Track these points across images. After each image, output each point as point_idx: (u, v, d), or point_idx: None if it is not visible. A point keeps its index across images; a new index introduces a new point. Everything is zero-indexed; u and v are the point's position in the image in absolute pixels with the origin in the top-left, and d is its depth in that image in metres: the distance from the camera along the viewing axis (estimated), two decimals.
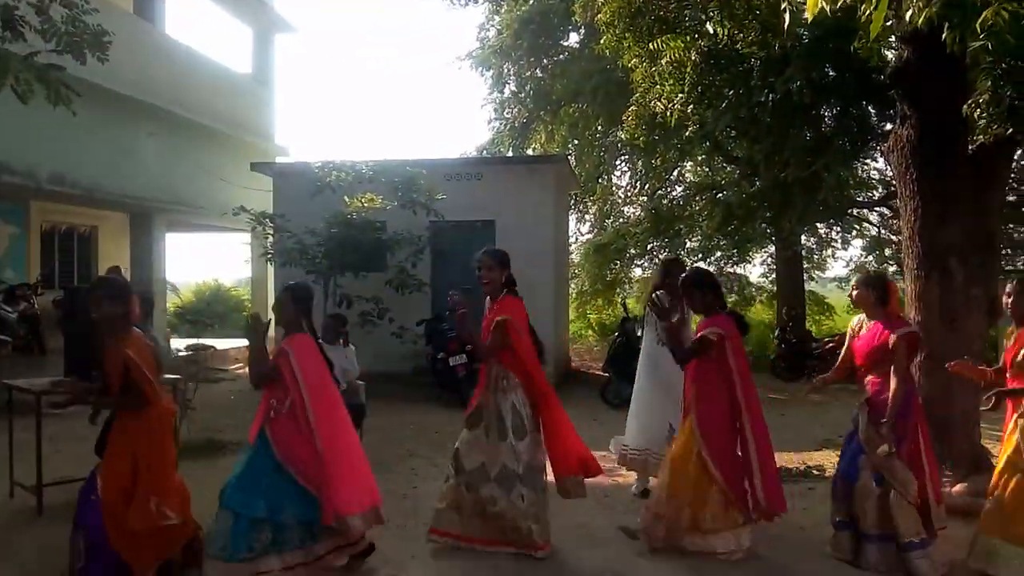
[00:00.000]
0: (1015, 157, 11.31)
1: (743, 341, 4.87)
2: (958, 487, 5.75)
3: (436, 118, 70.13)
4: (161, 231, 14.95)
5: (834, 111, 9.99)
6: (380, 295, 10.54)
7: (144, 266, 14.57)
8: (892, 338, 4.39)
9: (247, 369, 4.47)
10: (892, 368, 4.38)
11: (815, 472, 6.65)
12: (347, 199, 10.56)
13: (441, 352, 10.18)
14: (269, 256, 11.46)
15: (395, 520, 5.11)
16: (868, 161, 13.42)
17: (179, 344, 13.38)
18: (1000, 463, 4.39)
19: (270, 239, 11.40)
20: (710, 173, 16.18)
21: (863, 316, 4.72)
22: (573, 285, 16.71)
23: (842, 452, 4.78)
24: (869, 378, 4.55)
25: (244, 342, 16.02)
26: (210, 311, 18.98)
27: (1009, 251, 13.74)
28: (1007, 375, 4.43)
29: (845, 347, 4.81)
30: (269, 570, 3.97)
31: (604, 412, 9.69)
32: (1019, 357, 4.31)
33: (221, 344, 14.44)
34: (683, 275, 5.01)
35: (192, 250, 39.93)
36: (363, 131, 69.39)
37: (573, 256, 17.11)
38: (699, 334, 4.68)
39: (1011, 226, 13.03)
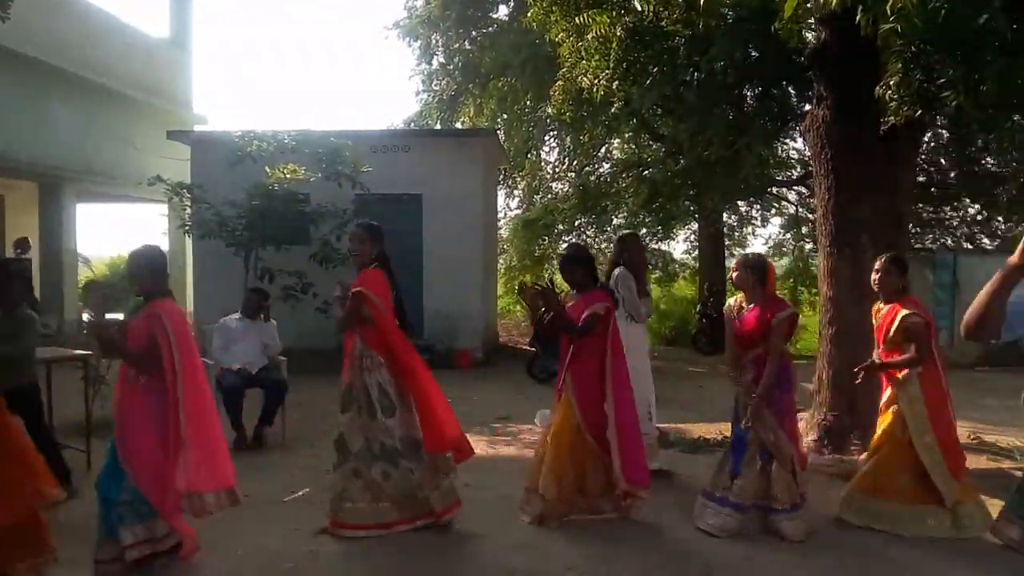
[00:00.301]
0: (924, 139, 11.84)
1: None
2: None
3: (363, 88, 68.64)
4: (72, 201, 14.26)
5: (756, 91, 10.20)
6: (304, 269, 10.33)
7: (54, 237, 13.89)
8: (773, 319, 4.50)
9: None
10: (769, 347, 4.51)
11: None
12: (268, 170, 10.27)
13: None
14: (187, 228, 11.08)
15: (317, 496, 5.06)
16: (787, 141, 13.81)
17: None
18: (878, 433, 4.77)
19: (188, 210, 11.02)
20: (636, 151, 16.35)
21: (740, 296, 4.79)
22: (502, 260, 16.72)
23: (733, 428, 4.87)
24: (752, 356, 4.63)
25: None
26: (124, 284, 18.23)
27: (918, 230, 14.34)
28: (879, 349, 4.73)
29: (727, 329, 4.87)
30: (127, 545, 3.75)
31: (531, 387, 9.77)
32: (890, 333, 4.60)
33: None
34: (563, 252, 5.07)
35: (106, 221, 38.20)
36: (286, 100, 67.14)
37: (502, 231, 17.10)
38: (588, 310, 4.65)
39: (920, 206, 13.60)
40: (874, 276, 4.75)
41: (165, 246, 16.40)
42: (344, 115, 73.48)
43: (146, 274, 3.93)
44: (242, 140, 10.59)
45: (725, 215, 16.40)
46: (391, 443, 4.48)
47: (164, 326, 3.75)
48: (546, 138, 17.00)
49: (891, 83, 5.05)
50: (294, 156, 10.46)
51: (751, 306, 4.65)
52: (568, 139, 15.72)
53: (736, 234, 18.18)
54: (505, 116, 15.91)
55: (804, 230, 16.06)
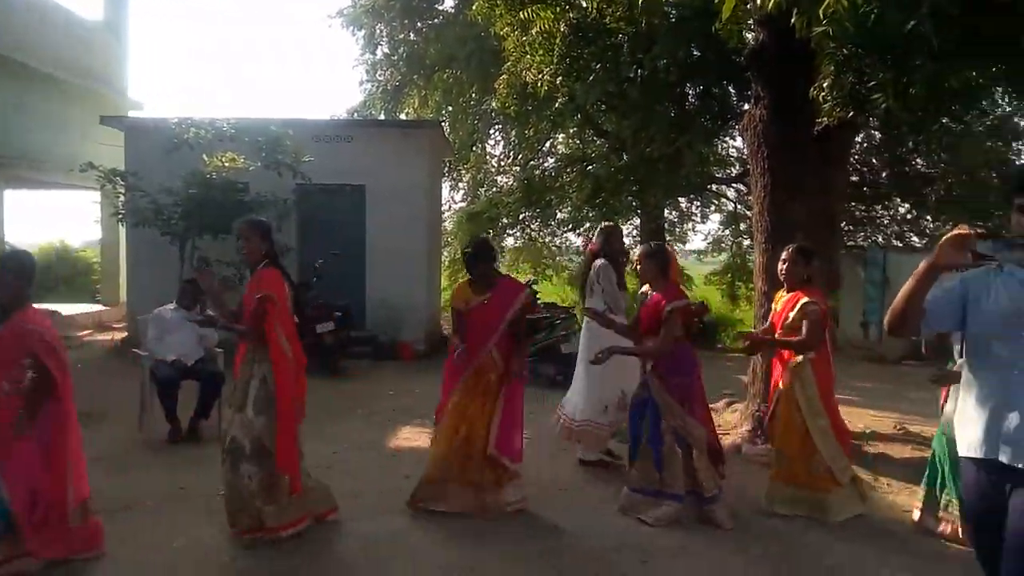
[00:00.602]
0: (857, 140, 12.21)
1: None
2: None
3: (306, 77, 67.60)
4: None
5: (697, 90, 10.37)
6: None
7: None
8: (665, 307, 4.62)
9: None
10: (661, 333, 4.62)
11: None
12: (206, 158, 10.05)
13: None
14: (120, 216, 10.77)
15: None
16: (727, 139, 14.08)
17: None
18: (776, 417, 4.94)
19: (121, 198, 10.70)
20: (581, 146, 16.47)
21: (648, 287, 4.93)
22: (446, 253, 16.67)
23: (631, 416, 4.93)
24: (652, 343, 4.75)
25: (94, 307, 15.04)
26: (54, 274, 17.64)
27: (851, 228, 14.78)
28: (775, 335, 4.95)
29: (635, 316, 5.03)
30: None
31: None
32: (789, 319, 4.80)
33: (68, 309, 13.50)
34: (468, 248, 5.05)
35: (37, 209, 36.81)
36: (227, 88, 65.68)
37: (446, 224, 17.04)
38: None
39: (853, 205, 14.03)
40: (780, 265, 4.93)
41: (98, 234, 15.93)
42: (287, 104, 72.12)
43: (12, 282, 3.71)
44: (179, 127, 10.33)
45: (666, 211, 16.65)
46: (242, 441, 4.22)
47: (46, 344, 3.70)
48: (491, 131, 17.01)
49: (824, 85, 5.19)
50: (233, 144, 10.26)
51: (653, 294, 4.79)
52: (513, 133, 15.76)
53: (677, 229, 18.47)
54: (450, 108, 15.86)
55: (742, 226, 16.40)
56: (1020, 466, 2.38)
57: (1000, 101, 9.79)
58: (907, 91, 4.99)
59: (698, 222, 18.50)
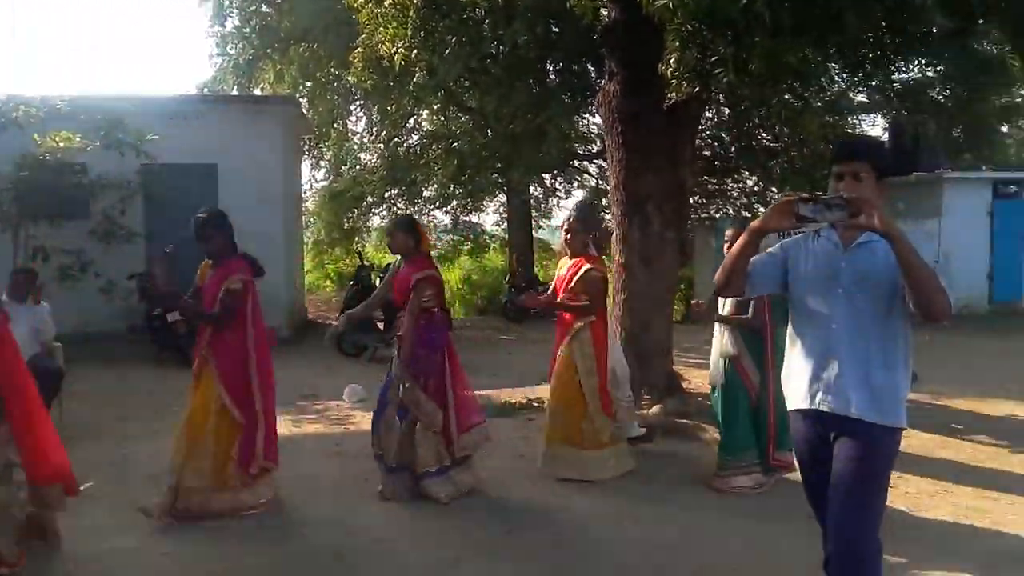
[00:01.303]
0: (708, 115, 12.75)
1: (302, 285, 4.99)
2: (654, 408, 6.46)
3: (152, 51, 63.42)
4: None
5: (558, 66, 10.50)
6: (82, 246, 9.45)
7: None
8: (413, 278, 4.54)
9: None
10: (408, 307, 4.54)
11: (535, 404, 7.09)
12: (37, 138, 9.25)
13: (158, 308, 9.37)
14: None
15: (100, 490, 4.68)
16: (588, 116, 14.35)
17: None
18: (553, 383, 5.08)
19: None
20: (445, 122, 16.33)
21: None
22: (309, 233, 16.21)
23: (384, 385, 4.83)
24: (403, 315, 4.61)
25: None
26: None
27: (704, 200, 15.46)
28: (560, 298, 5.06)
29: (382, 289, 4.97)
30: None
31: (339, 362, 9.59)
32: (572, 284, 4.95)
33: None
34: (200, 219, 4.54)
35: None
36: (61, 61, 60.33)
37: (308, 203, 16.55)
38: (226, 285, 4.38)
39: (705, 178, 14.66)
40: (563, 235, 5.08)
41: None
42: (133, 80, 67.58)
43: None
44: (5, 106, 9.45)
45: (531, 187, 16.85)
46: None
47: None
48: (352, 107, 16.57)
49: (671, 60, 5.35)
50: (68, 123, 9.49)
51: (404, 266, 4.71)
52: (375, 109, 15.42)
53: (542, 206, 18.74)
54: (308, 84, 15.32)
55: (604, 201, 16.82)
56: (842, 414, 2.55)
57: (836, 78, 10.44)
58: (747, 66, 5.22)
59: (563, 198, 18.85)
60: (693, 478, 5.08)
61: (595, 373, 4.93)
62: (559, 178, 17.71)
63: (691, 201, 13.27)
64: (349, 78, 11.61)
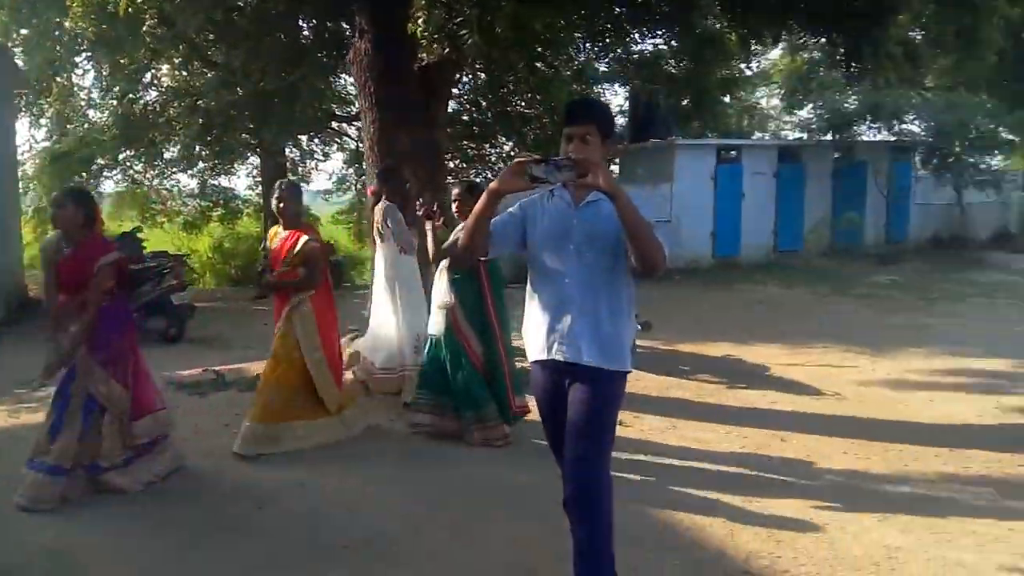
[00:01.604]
0: (465, 80, 12.94)
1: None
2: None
3: None
4: None
5: (311, 23, 10.06)
6: None
7: None
8: (99, 262, 4.13)
9: None
10: (92, 286, 4.12)
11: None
12: None
13: None
14: None
15: None
16: (345, 76, 13.94)
17: None
18: (272, 357, 4.93)
19: None
20: (188, 78, 15.09)
21: (57, 233, 4.38)
22: (27, 200, 14.36)
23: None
24: (79, 302, 4.16)
25: None
26: None
27: (464, 165, 15.71)
28: (274, 272, 4.90)
29: (46, 274, 4.44)
30: None
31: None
32: (290, 256, 4.80)
33: None
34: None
35: None
36: None
37: (26, 167, 14.61)
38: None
39: (465, 143, 14.90)
40: (275, 204, 4.90)
41: None
42: None
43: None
44: None
45: (288, 150, 16.14)
46: None
47: None
48: (77, 59, 14.75)
49: (419, 19, 5.32)
50: None
51: (74, 246, 4.21)
52: (105, 62, 13.85)
53: (300, 169, 18.03)
54: (24, 31, 13.39)
55: (365, 165, 16.55)
56: (575, 362, 2.72)
57: (581, 47, 11.00)
58: (493, 29, 5.33)
59: (321, 160, 18.25)
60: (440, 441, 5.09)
61: (319, 347, 4.81)
62: (317, 139, 17.10)
63: (449, 165, 13.46)
64: (67, 24, 10.31)
